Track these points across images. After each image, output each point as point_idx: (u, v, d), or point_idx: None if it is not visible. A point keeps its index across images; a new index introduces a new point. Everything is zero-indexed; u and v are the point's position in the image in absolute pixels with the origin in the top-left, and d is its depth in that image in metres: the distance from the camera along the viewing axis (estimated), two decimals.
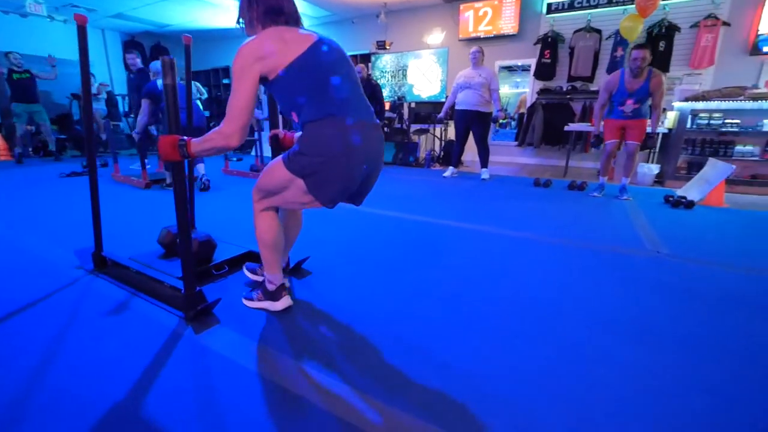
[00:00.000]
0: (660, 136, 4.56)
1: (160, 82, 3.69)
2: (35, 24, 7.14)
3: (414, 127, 5.89)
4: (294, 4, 1.17)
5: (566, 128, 5.02)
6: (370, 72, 5.22)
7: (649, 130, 3.47)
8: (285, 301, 1.42)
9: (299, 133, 1.18)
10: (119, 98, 8.23)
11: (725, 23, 4.68)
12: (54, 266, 1.88)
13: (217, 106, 9.29)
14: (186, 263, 1.35)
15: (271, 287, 1.42)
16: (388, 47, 6.31)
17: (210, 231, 2.13)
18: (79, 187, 3.96)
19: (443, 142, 5.97)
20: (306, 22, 7.88)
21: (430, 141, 6.26)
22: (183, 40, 1.92)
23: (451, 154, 4.83)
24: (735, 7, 4.66)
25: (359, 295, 1.63)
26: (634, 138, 3.45)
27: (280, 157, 1.23)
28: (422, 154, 5.99)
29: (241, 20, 1.19)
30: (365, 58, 7.25)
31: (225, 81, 9.21)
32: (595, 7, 5.35)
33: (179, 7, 6.80)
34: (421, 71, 5.93)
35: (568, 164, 5.22)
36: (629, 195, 3.63)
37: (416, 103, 6.22)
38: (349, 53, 7.71)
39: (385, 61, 6.47)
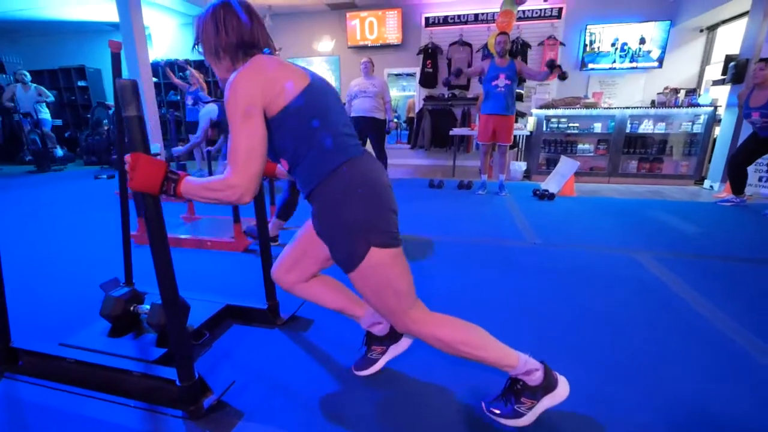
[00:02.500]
0: (524, 138, 5.38)
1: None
2: None
3: None
4: (267, 35, 0.99)
5: (451, 133, 5.55)
6: None
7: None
8: (563, 382, 1.03)
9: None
10: None
11: (561, 43, 5.72)
12: None
13: (72, 112, 7.86)
14: (179, 342, 1.04)
15: (534, 379, 1.01)
16: (277, 53, 6.11)
17: (150, 286, 1.63)
18: None
19: None
20: (178, 20, 7.17)
21: None
22: (110, 46, 1.44)
23: None
24: (567, 31, 5.73)
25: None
26: (503, 140, 4.01)
27: (351, 268, 0.96)
28: None
29: (199, 46, 0.98)
30: None
31: (81, 83, 7.81)
32: (465, 23, 6.01)
33: None
34: None
35: (455, 164, 5.78)
36: (507, 191, 4.21)
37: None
38: None
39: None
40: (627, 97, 5.65)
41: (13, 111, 6.27)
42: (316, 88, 0.94)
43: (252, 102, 0.87)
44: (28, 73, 6.23)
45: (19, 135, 6.78)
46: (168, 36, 7.48)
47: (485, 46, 5.83)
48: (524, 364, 0.99)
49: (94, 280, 1.69)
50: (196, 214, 3.16)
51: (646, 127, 4.75)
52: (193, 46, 1.00)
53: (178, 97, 7.42)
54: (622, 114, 4.76)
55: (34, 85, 6.24)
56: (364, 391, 1.20)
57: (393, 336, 1.27)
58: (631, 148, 4.82)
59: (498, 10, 5.00)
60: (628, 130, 4.77)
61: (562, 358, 1.32)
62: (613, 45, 5.49)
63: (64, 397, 1.18)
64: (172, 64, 6.50)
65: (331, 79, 6.12)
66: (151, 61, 5.84)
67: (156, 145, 6.07)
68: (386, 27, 6.25)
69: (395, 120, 4.45)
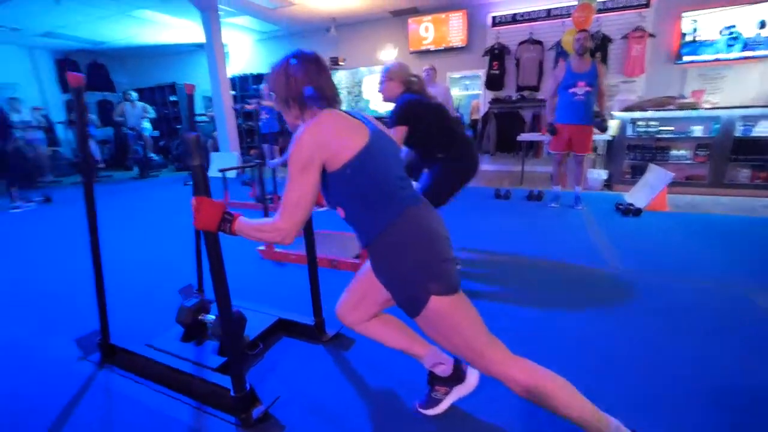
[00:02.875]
0: (606, 143, 4.85)
1: None
2: None
3: None
4: (334, 86, 1.05)
5: (519, 138, 5.20)
6: None
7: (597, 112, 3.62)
8: None
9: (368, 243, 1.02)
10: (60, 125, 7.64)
11: (651, 35, 5.06)
12: (53, 360, 1.59)
13: (165, 124, 8.83)
14: (234, 357, 1.18)
15: None
16: (341, 63, 6.28)
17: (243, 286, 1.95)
18: (39, 225, 3.59)
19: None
20: (253, 37, 7.68)
21: None
22: (185, 89, 1.77)
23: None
24: (658, 20, 5.05)
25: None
26: (581, 150, 3.61)
27: (417, 314, 0.98)
28: None
29: (272, 93, 1.07)
30: None
31: (172, 98, 8.76)
32: (536, 20, 5.61)
33: (114, 25, 6.41)
34: (377, 87, 5.94)
35: (523, 170, 5.41)
36: (583, 204, 3.79)
37: (374, 118, 6.21)
38: None
39: (340, 77, 6.44)
40: (737, 93, 4.81)
41: (122, 125, 7.21)
42: (375, 145, 0.97)
43: (311, 158, 0.93)
44: (134, 93, 7.12)
45: (125, 146, 7.85)
46: (245, 52, 8.07)
47: (558, 44, 5.39)
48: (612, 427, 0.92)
49: (180, 282, 1.85)
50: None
51: (763, 129, 3.99)
52: (268, 95, 1.08)
53: (251, 109, 7.95)
54: (729, 115, 4.05)
55: (141, 102, 7.09)
56: (408, 422, 1.19)
57: (457, 377, 1.23)
58: (742, 154, 4.08)
59: (574, 3, 4.58)
60: (737, 134, 4.05)
61: None
62: (722, 32, 4.69)
63: (144, 390, 1.39)
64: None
65: None
66: (229, 76, 6.33)
67: (233, 154, 6.57)
68: (450, 30, 6.08)
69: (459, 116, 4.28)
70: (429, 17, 6.13)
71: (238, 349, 1.18)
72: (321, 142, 0.93)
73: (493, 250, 2.61)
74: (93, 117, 7.12)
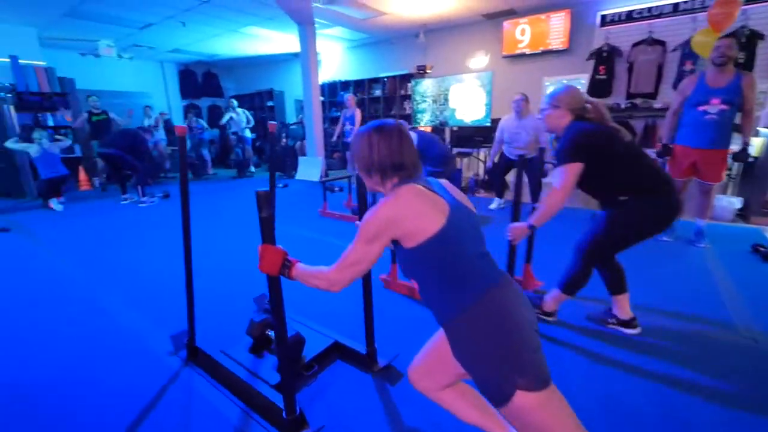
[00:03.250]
0: (742, 164, 4.01)
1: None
2: (107, 63, 7.84)
3: (455, 150, 5.69)
4: (415, 154, 1.04)
5: None
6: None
7: (735, 148, 2.94)
8: None
9: (453, 324, 0.96)
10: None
11: None
12: (150, 351, 1.86)
13: (262, 127, 9.66)
14: (288, 383, 1.29)
15: None
16: (429, 71, 6.18)
17: (288, 304, 2.00)
18: (160, 218, 4.25)
19: (488, 166, 5.71)
20: (343, 45, 7.95)
21: (473, 165, 6.02)
22: (269, 127, 1.90)
23: (494, 184, 4.56)
24: None
25: None
26: (710, 178, 2.98)
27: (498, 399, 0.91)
28: (465, 180, 5.78)
29: (354, 160, 1.09)
30: (405, 79, 7.17)
31: (269, 103, 9.53)
32: (658, 16, 4.86)
33: (226, 40, 7.15)
34: (464, 95, 5.73)
35: None
36: (707, 241, 3.16)
37: (459, 127, 6.03)
38: (387, 74, 7.76)
39: (426, 86, 6.34)
40: None
41: (227, 130, 8.06)
42: (453, 222, 0.94)
43: (380, 233, 0.94)
44: (235, 101, 7.90)
45: (228, 147, 8.81)
46: (335, 59, 8.41)
47: (685, 44, 4.60)
48: None
49: (260, 286, 1.98)
50: None
51: None
52: (352, 166, 1.09)
53: (339, 114, 8.29)
54: None
55: (244, 111, 7.83)
56: None
57: None
58: None
59: None
60: None
61: None
62: None
63: (215, 393, 1.56)
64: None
65: (482, 96, 5.81)
66: (319, 83, 6.66)
67: (319, 159, 6.91)
68: (549, 31, 5.58)
69: (551, 163, 3.88)
70: (526, 19, 5.70)
71: (291, 376, 1.27)
72: (395, 221, 0.93)
73: (583, 292, 2.29)
74: (202, 122, 8.04)
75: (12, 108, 5.57)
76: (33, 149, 4.86)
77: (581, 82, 5.63)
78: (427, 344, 1.15)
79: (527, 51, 5.82)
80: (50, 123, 6.15)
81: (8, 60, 5.64)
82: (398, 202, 0.94)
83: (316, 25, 6.22)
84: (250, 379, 1.52)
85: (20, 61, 5.72)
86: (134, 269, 2.96)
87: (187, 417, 1.44)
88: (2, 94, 5.51)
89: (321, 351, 1.71)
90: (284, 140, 8.07)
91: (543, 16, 5.57)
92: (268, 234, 1.13)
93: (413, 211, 0.93)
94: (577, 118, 1.67)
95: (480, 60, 6.27)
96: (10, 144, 4.94)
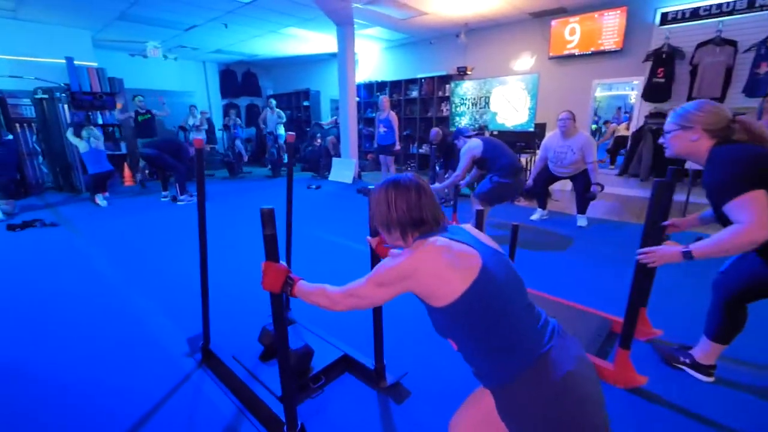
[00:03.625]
0: None
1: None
2: (153, 63, 8.17)
3: None
4: (436, 208, 0.99)
5: (687, 166, 4.18)
6: (445, 131, 4.85)
7: None
8: None
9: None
10: (216, 125, 9.10)
11: None
12: (167, 350, 1.94)
13: (297, 126, 9.74)
14: (289, 400, 1.28)
15: None
16: (469, 72, 5.96)
17: (300, 312, 2.12)
18: (194, 216, 4.34)
19: (528, 185, 5.41)
20: (380, 45, 7.84)
21: None
22: (287, 138, 1.92)
23: (538, 193, 4.29)
24: None
25: None
26: None
27: None
28: None
29: (375, 220, 1.05)
30: (443, 80, 6.96)
31: (305, 103, 9.59)
32: (729, 13, 4.40)
33: (265, 40, 7.24)
34: (506, 98, 5.46)
35: (688, 203, 4.36)
36: None
37: (499, 131, 5.76)
38: (426, 75, 7.59)
39: (466, 88, 6.12)
40: None
41: (263, 129, 8.18)
42: (489, 277, 0.85)
43: (394, 282, 0.89)
44: (274, 101, 8.00)
45: (264, 145, 8.94)
46: (372, 60, 8.33)
47: (763, 43, 4.14)
48: None
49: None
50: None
51: None
52: (374, 225, 1.06)
53: (374, 115, 8.20)
54: None
55: (278, 110, 7.95)
56: None
57: None
58: None
59: None
60: None
61: None
62: None
63: (223, 398, 1.59)
64: None
65: (525, 100, 5.52)
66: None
67: (352, 161, 6.85)
68: (602, 31, 5.21)
69: (599, 184, 3.58)
70: (577, 17, 5.36)
71: (292, 390, 1.27)
72: (412, 277, 0.87)
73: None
74: (239, 120, 8.20)
75: (66, 106, 5.87)
76: (82, 145, 5.09)
77: (635, 85, 5.24)
78: (466, 403, 1.03)
79: (576, 52, 5.47)
80: (99, 121, 6.45)
81: (64, 61, 5.94)
82: (419, 257, 0.88)
83: (354, 26, 6.15)
84: (258, 387, 1.53)
85: (75, 62, 6.02)
86: (162, 267, 3.02)
87: (191, 420, 1.48)
88: (58, 93, 5.80)
89: (329, 363, 1.70)
90: (318, 141, 8.08)
91: (596, 15, 5.21)
92: (271, 251, 1.13)
93: (435, 268, 0.85)
94: (722, 141, 1.31)
95: (525, 61, 5.97)
96: (69, 135, 5.21)
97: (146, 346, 1.97)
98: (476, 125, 5.76)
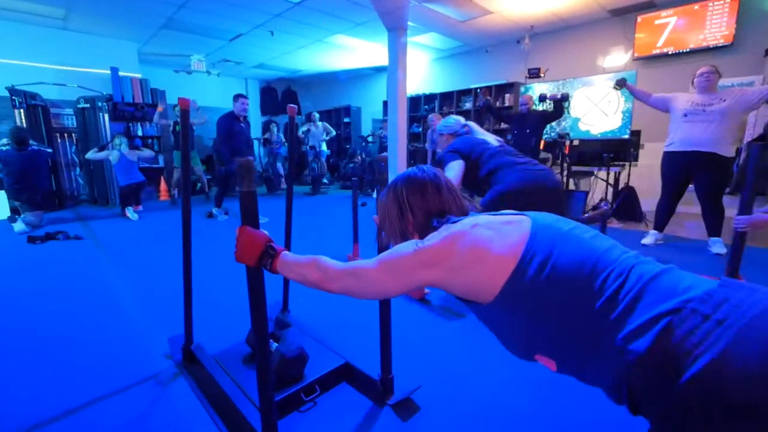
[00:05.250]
0: None
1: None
2: (196, 79, 8.10)
3: (573, 169, 4.60)
4: (458, 196, 0.84)
5: None
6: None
7: None
8: None
9: None
10: (255, 141, 8.84)
11: None
12: (145, 351, 1.75)
13: (337, 144, 9.31)
14: (268, 414, 1.01)
15: None
16: (542, 75, 5.26)
17: (301, 315, 1.97)
18: (225, 233, 3.82)
19: (617, 189, 4.53)
20: (429, 56, 7.35)
21: (591, 187, 4.87)
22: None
23: (661, 209, 3.35)
24: None
25: None
26: None
27: None
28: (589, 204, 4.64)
29: (383, 227, 0.88)
30: (502, 90, 6.31)
31: (345, 120, 9.23)
32: None
33: (310, 52, 6.96)
34: (592, 102, 4.67)
35: None
36: None
37: (581, 140, 4.92)
38: (481, 85, 6.96)
39: (539, 92, 5.36)
40: None
41: (303, 143, 7.77)
42: (542, 241, 0.65)
43: (418, 268, 0.69)
44: (317, 113, 7.62)
45: (304, 162, 8.50)
46: (419, 72, 7.86)
47: None
48: None
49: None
50: None
51: None
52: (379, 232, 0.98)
53: (419, 130, 7.63)
54: None
55: (324, 124, 7.52)
56: None
57: None
58: None
59: None
60: None
61: None
62: None
63: (197, 407, 1.35)
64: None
65: (618, 102, 4.65)
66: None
67: None
68: (705, 24, 4.42)
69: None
70: (670, 11, 4.60)
71: (271, 401, 0.99)
72: (450, 260, 0.67)
73: None
74: (282, 137, 7.86)
75: (106, 117, 5.66)
76: (113, 155, 4.77)
77: (751, 82, 4.34)
78: None
79: (669, 50, 4.67)
80: (139, 133, 6.21)
81: (109, 72, 5.79)
82: (452, 235, 0.70)
83: (407, 31, 5.68)
84: (238, 396, 1.31)
85: (119, 73, 5.86)
86: (170, 276, 2.67)
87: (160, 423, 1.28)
88: (100, 103, 5.62)
89: (326, 372, 1.47)
90: (360, 156, 7.56)
91: (696, 6, 4.44)
92: (249, 213, 0.89)
93: (476, 240, 0.67)
94: None
95: (616, 57, 5.15)
96: (89, 155, 4.95)
97: (124, 345, 1.80)
98: (554, 134, 4.93)
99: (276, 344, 1.49)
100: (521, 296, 0.63)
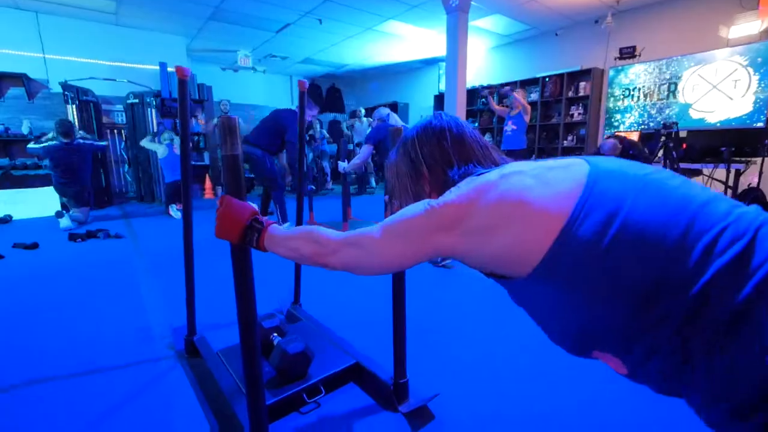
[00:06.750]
0: None
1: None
2: (242, 77, 8.00)
3: (681, 166, 3.76)
4: (490, 149, 0.70)
5: None
6: (625, 141, 3.46)
7: None
8: None
9: None
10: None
11: None
12: (148, 339, 1.68)
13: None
14: (256, 418, 0.92)
15: None
16: (638, 54, 4.44)
17: (314, 308, 1.83)
18: None
19: (737, 192, 3.63)
20: (488, 44, 6.68)
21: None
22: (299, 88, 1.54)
23: None
24: None
25: None
26: None
27: None
28: None
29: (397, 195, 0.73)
30: (574, 78, 5.52)
31: None
32: None
33: (358, 42, 6.57)
34: (710, 83, 3.80)
35: None
36: None
37: (691, 131, 4.03)
38: (550, 73, 6.16)
39: (633, 76, 4.52)
40: None
41: (349, 141, 7.38)
42: (604, 190, 0.49)
43: (424, 231, 0.57)
44: (363, 110, 7.22)
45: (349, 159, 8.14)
46: (475, 61, 7.20)
47: None
48: None
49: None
50: None
51: None
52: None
53: (476, 124, 6.97)
54: None
55: (367, 119, 7.11)
56: None
57: None
58: None
59: None
60: None
61: None
62: None
63: (193, 402, 1.27)
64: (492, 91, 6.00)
65: (750, 82, 3.70)
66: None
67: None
68: None
69: None
70: None
71: (259, 404, 0.92)
72: (475, 218, 0.53)
73: None
74: (327, 134, 7.52)
75: (154, 112, 5.55)
76: (161, 150, 4.59)
77: None
78: None
79: None
80: None
81: (158, 67, 5.69)
82: (478, 186, 0.56)
83: (468, 13, 5.08)
84: (235, 397, 1.18)
85: (168, 68, 5.75)
86: (198, 280, 2.30)
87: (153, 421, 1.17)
88: (148, 98, 5.52)
89: (333, 372, 1.32)
90: None
91: None
92: (233, 181, 0.79)
93: (509, 191, 0.52)
94: None
95: (744, 27, 4.15)
96: (144, 142, 4.81)
97: (131, 332, 1.74)
98: (657, 123, 4.08)
99: (280, 338, 1.39)
100: (572, 269, 0.47)
